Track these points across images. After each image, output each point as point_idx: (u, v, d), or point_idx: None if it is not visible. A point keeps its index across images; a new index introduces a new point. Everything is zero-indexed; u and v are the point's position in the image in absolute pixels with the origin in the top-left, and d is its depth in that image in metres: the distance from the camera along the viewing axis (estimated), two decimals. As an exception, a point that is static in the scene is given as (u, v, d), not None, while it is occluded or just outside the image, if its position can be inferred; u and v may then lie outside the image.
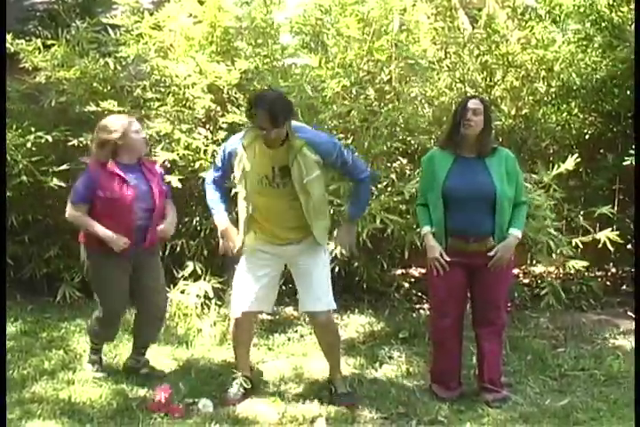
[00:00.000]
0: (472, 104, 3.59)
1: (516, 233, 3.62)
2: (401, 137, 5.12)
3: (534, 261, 6.22)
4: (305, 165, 3.43)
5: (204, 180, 4.92)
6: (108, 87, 5.27)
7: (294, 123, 3.52)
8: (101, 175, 3.69)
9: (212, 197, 3.77)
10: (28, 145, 4.92)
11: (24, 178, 4.88)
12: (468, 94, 5.06)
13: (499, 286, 3.69)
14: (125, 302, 3.94)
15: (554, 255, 4.90)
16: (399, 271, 6.00)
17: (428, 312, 5.25)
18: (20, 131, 5.00)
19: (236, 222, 3.74)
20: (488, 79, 5.63)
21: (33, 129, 5.01)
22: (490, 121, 3.68)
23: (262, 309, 3.81)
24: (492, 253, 3.57)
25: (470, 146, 3.64)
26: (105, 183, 3.68)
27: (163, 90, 5.10)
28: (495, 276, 3.63)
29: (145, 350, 4.08)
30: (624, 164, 4.82)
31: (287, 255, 3.68)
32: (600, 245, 4.98)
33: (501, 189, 3.56)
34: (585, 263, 4.97)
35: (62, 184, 4.86)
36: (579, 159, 4.93)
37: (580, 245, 4.94)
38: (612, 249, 4.98)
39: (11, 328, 4.71)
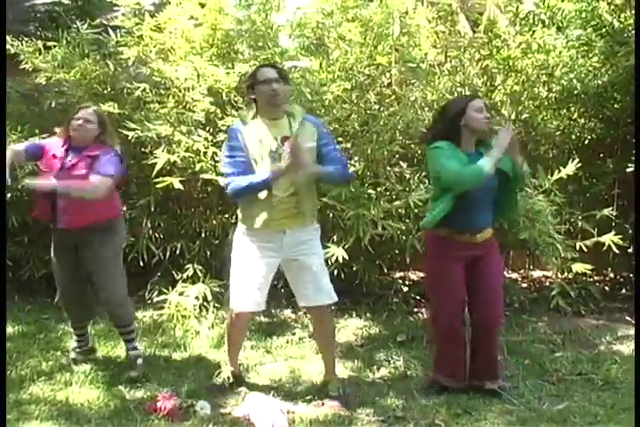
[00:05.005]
0: (480, 103, 3.63)
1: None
2: (401, 141, 5.12)
3: (532, 266, 6.24)
4: (304, 133, 3.49)
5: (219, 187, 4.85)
6: (108, 89, 5.27)
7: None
8: None
9: (246, 177, 3.45)
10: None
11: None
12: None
13: None
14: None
15: (555, 259, 4.89)
16: (398, 275, 6.00)
17: (425, 316, 5.26)
18: (23, 133, 5.00)
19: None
20: (488, 83, 5.64)
21: (37, 131, 4.99)
22: None
23: (261, 309, 3.77)
24: None
25: (472, 142, 3.63)
26: None
27: (163, 92, 5.10)
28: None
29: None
30: (627, 170, 4.80)
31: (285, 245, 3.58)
32: (599, 250, 4.98)
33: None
34: (589, 267, 4.94)
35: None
36: (579, 164, 4.93)
37: (585, 249, 4.93)
38: (615, 253, 4.97)
39: (8, 329, 4.69)
